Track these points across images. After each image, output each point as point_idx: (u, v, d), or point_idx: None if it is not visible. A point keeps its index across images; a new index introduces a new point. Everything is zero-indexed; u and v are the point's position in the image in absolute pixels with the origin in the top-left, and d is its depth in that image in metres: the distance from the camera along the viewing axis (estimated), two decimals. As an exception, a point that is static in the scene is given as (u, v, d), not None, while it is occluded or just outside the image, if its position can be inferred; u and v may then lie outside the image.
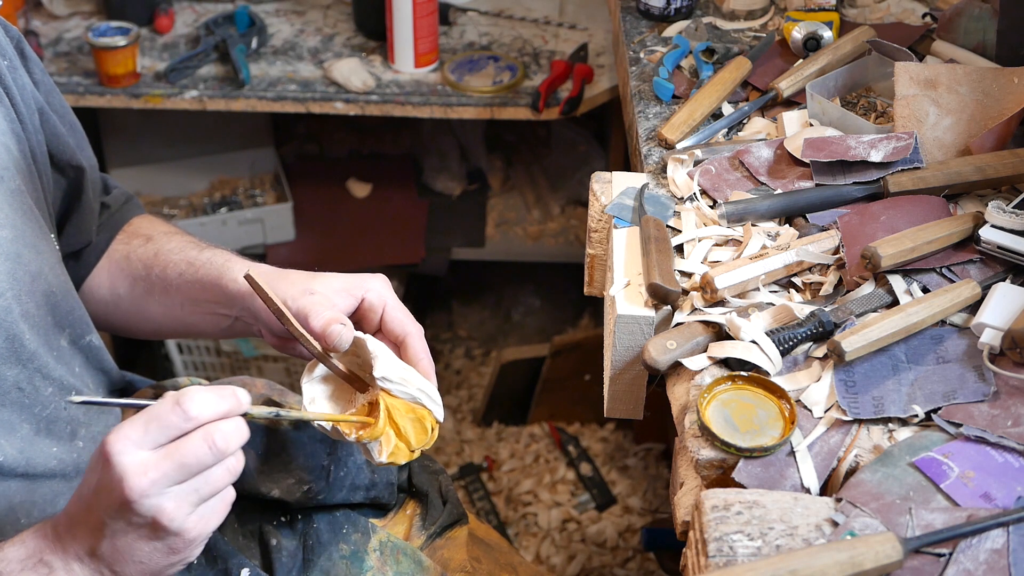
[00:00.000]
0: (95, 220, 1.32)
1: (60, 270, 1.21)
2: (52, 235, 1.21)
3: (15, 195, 1.14)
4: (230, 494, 0.97)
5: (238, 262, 1.25)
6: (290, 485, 1.25)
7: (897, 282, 1.18)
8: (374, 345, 1.09)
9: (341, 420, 1.09)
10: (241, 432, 0.95)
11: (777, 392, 1.07)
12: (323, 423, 1.09)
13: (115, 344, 2.47)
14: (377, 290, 1.16)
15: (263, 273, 1.16)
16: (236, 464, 0.96)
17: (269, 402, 1.29)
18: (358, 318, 1.17)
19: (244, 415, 0.96)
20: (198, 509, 0.94)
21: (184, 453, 0.92)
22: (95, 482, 0.94)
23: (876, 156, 1.29)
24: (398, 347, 1.16)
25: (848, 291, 1.19)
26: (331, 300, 1.13)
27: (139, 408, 0.94)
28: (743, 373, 1.09)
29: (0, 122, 1.14)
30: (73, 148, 1.25)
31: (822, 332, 1.13)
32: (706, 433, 1.04)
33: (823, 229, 1.26)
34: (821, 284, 1.20)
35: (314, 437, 1.28)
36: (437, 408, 1.12)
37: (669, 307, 1.18)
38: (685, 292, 1.19)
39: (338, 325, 1.08)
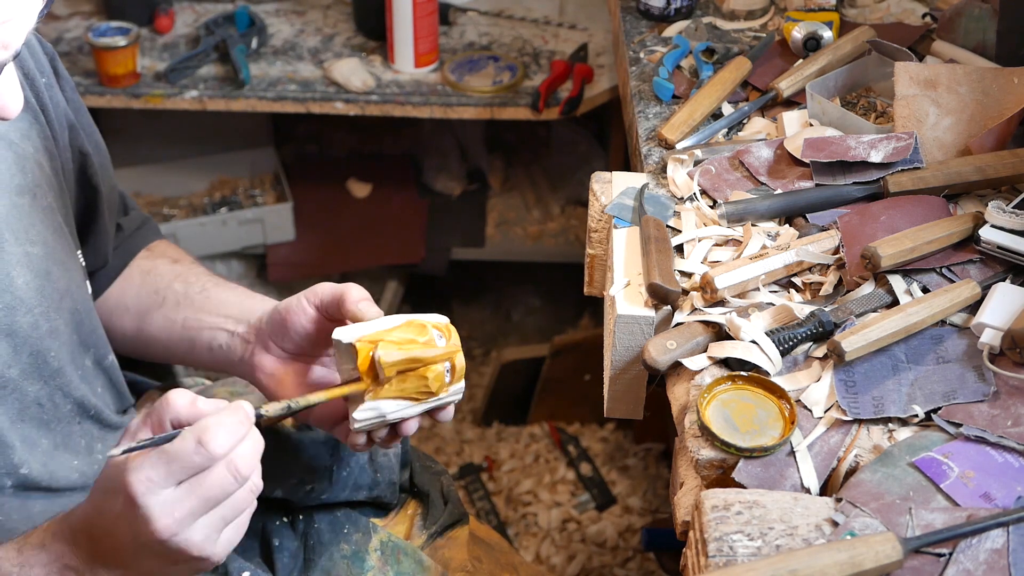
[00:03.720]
0: (110, 242, 1.32)
1: (85, 288, 1.21)
2: (78, 252, 1.22)
3: (47, 212, 1.14)
4: (252, 508, 0.97)
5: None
6: (293, 485, 1.25)
7: (897, 282, 1.18)
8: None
9: (345, 391, 1.07)
10: (258, 448, 0.95)
11: (777, 392, 1.08)
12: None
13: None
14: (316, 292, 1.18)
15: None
16: (258, 481, 0.96)
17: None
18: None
19: (258, 423, 0.96)
20: (224, 533, 0.95)
21: (209, 487, 0.92)
22: (116, 512, 0.93)
23: (876, 156, 1.29)
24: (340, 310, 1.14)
25: (848, 291, 1.19)
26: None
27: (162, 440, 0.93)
28: (743, 373, 1.09)
29: (35, 139, 1.15)
30: (96, 168, 1.25)
31: (822, 332, 1.13)
32: (706, 433, 1.04)
33: (823, 229, 1.26)
34: (821, 284, 1.20)
35: (316, 439, 1.28)
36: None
37: (669, 307, 1.18)
38: (685, 292, 1.19)
39: (365, 302, 1.11)
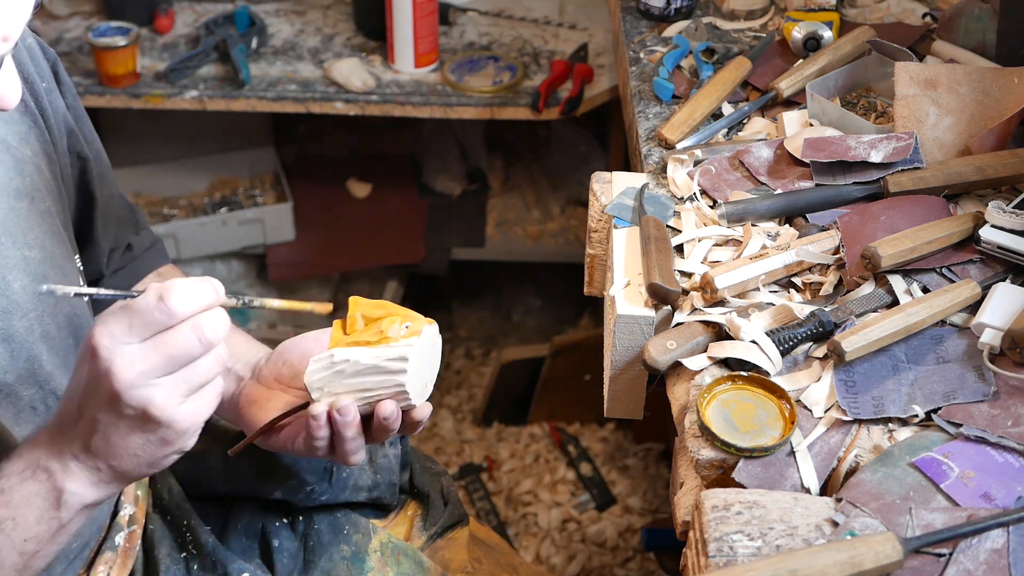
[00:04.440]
0: (103, 254, 1.31)
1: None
2: (76, 257, 1.21)
3: (45, 216, 1.14)
4: (219, 384, 0.97)
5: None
6: (292, 486, 1.25)
7: (897, 282, 1.18)
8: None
9: (297, 307, 1.06)
10: (225, 322, 0.94)
11: (777, 392, 1.08)
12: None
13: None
14: None
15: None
16: (223, 354, 0.95)
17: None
18: None
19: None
20: (188, 400, 0.94)
21: (172, 345, 0.91)
22: (83, 376, 0.93)
23: (876, 156, 1.29)
24: None
25: (848, 291, 1.19)
26: None
27: (119, 298, 0.93)
28: (743, 373, 1.09)
29: (34, 143, 1.14)
30: (94, 175, 1.25)
31: (822, 332, 1.13)
32: (706, 433, 1.04)
33: (823, 229, 1.26)
34: (821, 284, 1.20)
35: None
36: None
37: (669, 307, 1.18)
38: (685, 292, 1.19)
39: None
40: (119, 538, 1.18)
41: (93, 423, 0.94)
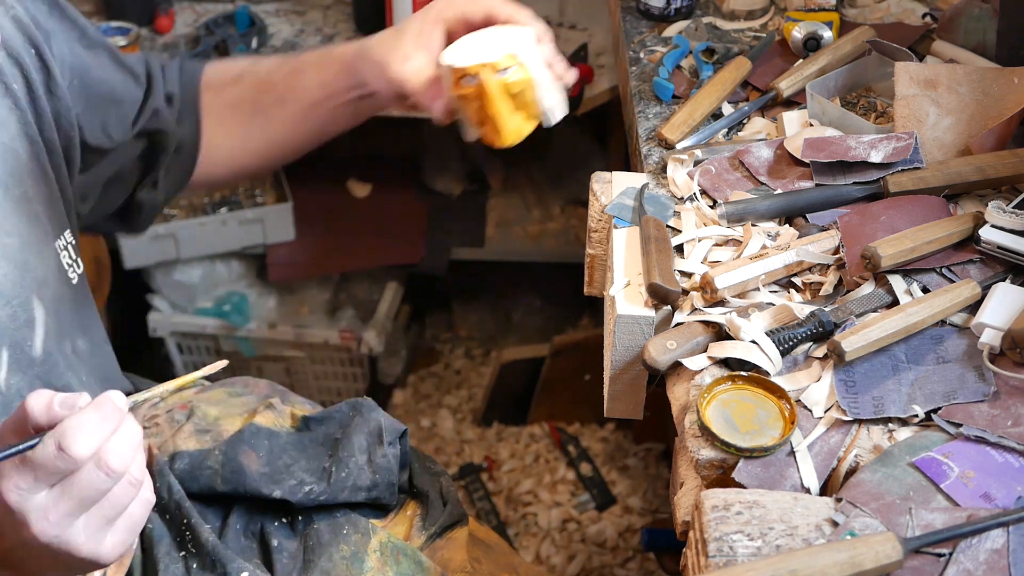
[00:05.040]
0: (164, 110, 1.34)
1: (64, 277, 1.21)
2: (56, 243, 1.20)
3: (21, 202, 1.13)
4: (141, 507, 0.94)
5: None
6: (292, 486, 1.25)
7: (897, 282, 1.18)
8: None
9: (189, 380, 1.01)
10: (132, 439, 0.90)
11: (777, 392, 1.08)
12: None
13: (114, 346, 2.47)
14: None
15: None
16: (139, 473, 0.92)
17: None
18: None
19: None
20: (110, 532, 0.92)
21: (80, 488, 0.88)
22: (1, 515, 0.90)
23: (876, 156, 1.29)
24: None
25: (848, 291, 1.19)
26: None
27: (23, 451, 0.89)
28: (743, 373, 1.09)
29: (11, 125, 1.13)
30: (135, 115, 1.28)
31: (822, 332, 1.13)
32: (706, 433, 1.04)
33: (823, 229, 1.26)
34: (821, 284, 1.20)
35: (316, 439, 1.28)
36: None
37: (669, 307, 1.18)
38: (685, 292, 1.19)
39: None
40: (116, 537, 1.18)
41: (19, 556, 0.92)
